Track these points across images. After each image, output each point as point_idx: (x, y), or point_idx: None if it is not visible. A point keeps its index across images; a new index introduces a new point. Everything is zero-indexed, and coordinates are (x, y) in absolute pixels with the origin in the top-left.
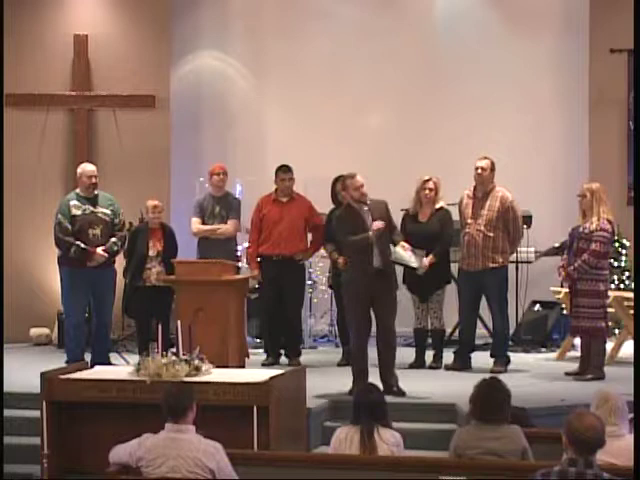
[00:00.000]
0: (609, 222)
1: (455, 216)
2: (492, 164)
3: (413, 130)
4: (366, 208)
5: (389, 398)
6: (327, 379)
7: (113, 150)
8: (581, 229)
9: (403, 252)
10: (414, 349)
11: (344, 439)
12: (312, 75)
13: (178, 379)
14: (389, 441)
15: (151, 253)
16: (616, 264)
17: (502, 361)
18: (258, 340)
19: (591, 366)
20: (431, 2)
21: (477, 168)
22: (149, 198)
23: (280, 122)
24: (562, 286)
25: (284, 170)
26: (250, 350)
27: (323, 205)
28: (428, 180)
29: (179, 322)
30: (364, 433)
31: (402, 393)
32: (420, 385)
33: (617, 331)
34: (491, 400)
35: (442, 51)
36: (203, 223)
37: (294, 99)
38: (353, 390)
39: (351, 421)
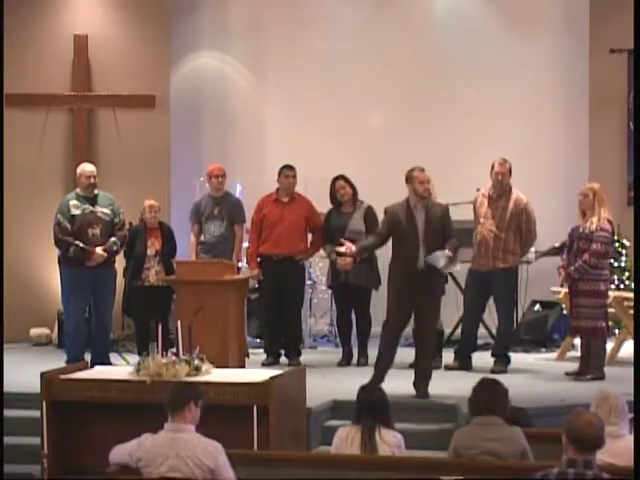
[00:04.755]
0: (609, 222)
1: (456, 216)
2: (510, 168)
3: (413, 130)
4: (420, 206)
5: (391, 398)
6: (327, 379)
7: (113, 150)
8: (581, 229)
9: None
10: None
11: (345, 438)
12: (312, 75)
13: (178, 379)
14: (390, 442)
15: (149, 253)
16: (616, 264)
17: (503, 361)
18: (258, 340)
19: (591, 366)
20: (431, 3)
21: (497, 173)
22: (148, 198)
23: (280, 122)
24: (562, 286)
25: (289, 168)
26: (250, 350)
27: (322, 205)
28: None
29: (179, 322)
30: (365, 433)
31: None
32: None
33: (617, 331)
34: (486, 400)
35: (442, 51)
36: (201, 226)
37: (294, 99)
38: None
39: (353, 421)
